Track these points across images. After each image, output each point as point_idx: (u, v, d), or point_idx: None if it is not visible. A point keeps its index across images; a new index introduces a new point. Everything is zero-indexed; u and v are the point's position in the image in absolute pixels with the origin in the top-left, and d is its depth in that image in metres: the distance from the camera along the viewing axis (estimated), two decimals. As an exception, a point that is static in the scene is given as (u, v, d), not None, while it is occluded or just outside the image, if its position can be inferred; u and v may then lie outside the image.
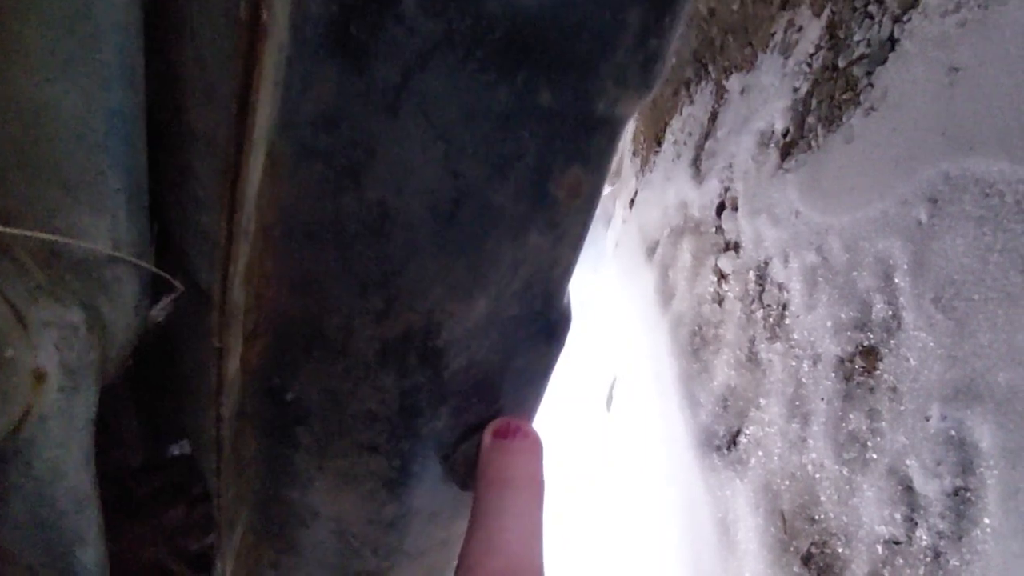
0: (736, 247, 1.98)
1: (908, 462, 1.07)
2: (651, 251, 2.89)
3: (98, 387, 0.43)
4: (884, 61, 1.38)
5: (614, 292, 3.23)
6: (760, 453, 1.50)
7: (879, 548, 1.10)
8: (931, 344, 1.06)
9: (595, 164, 0.51)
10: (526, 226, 0.51)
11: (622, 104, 0.49)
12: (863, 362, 1.23)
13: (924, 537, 1.02)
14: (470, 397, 0.61)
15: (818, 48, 1.74)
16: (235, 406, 0.53)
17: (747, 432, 1.60)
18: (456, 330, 0.55)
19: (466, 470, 0.67)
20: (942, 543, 0.99)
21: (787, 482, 1.38)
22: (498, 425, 0.62)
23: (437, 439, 0.62)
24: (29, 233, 0.38)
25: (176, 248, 0.59)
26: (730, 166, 2.17)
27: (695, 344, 2.13)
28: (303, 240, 0.49)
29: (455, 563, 0.86)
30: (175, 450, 1.04)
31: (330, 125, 0.46)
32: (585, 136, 0.49)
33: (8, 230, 0.37)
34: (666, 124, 3.15)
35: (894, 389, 1.13)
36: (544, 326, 0.61)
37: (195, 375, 0.70)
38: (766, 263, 1.72)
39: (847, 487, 1.19)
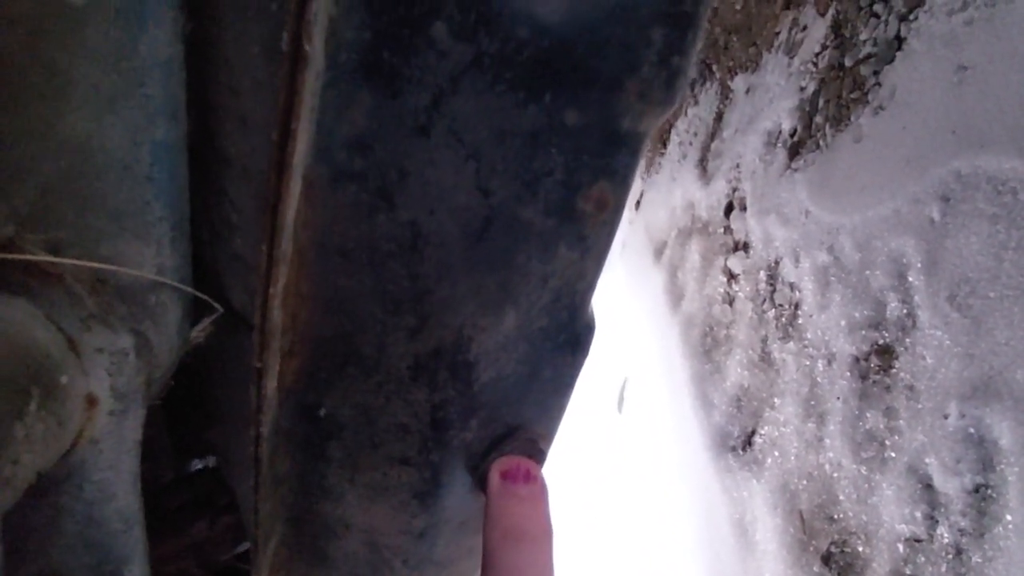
0: (745, 247, 1.99)
1: (927, 460, 1.07)
2: (659, 252, 2.90)
3: (145, 409, 0.45)
4: (891, 60, 1.39)
5: (622, 294, 3.24)
6: (776, 453, 1.51)
7: (900, 546, 1.11)
8: (947, 342, 1.07)
9: (620, 178, 0.51)
10: (555, 241, 0.52)
11: (646, 119, 0.50)
12: (879, 361, 1.24)
13: (945, 535, 1.02)
14: (499, 408, 0.62)
15: (824, 47, 1.75)
16: (272, 424, 0.54)
17: (762, 432, 1.60)
18: (486, 344, 0.55)
19: (494, 480, 0.68)
20: (964, 540, 0.99)
21: (805, 482, 1.38)
22: (505, 466, 0.61)
23: (466, 450, 0.63)
24: (78, 262, 0.39)
25: (208, 270, 0.60)
26: (737, 166, 2.18)
27: (706, 345, 2.14)
28: (337, 260, 0.50)
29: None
30: (199, 464, 1.05)
31: (364, 148, 0.47)
32: (611, 151, 0.50)
33: (59, 260, 0.38)
34: (671, 125, 3.16)
35: (911, 387, 1.14)
36: (570, 337, 0.62)
37: (226, 394, 0.71)
38: (777, 263, 1.72)
39: (866, 486, 1.20)
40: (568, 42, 0.45)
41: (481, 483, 0.68)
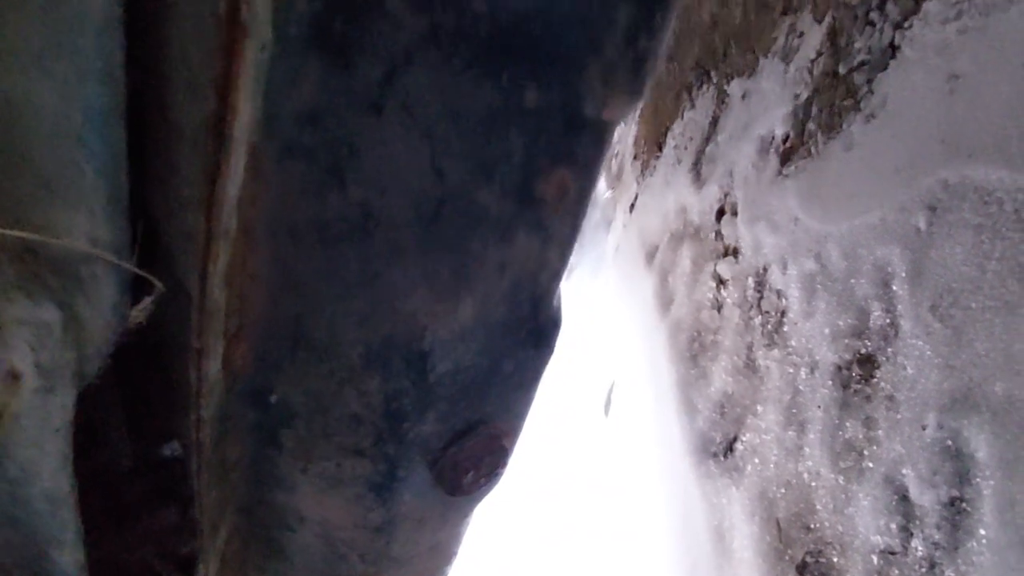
0: (735, 253, 1.97)
1: (904, 471, 1.06)
2: (651, 256, 2.88)
3: (75, 388, 0.43)
4: (885, 68, 1.37)
5: (613, 297, 3.22)
6: (756, 460, 1.49)
7: (874, 558, 1.09)
8: (928, 352, 1.05)
9: (583, 166, 0.50)
10: (513, 227, 0.50)
11: (611, 106, 0.48)
12: (860, 370, 1.22)
13: (919, 547, 1.01)
14: (457, 402, 0.61)
15: (819, 54, 1.73)
16: (217, 408, 0.52)
17: (744, 439, 1.58)
18: (441, 333, 0.54)
19: (453, 476, 0.66)
20: (937, 554, 0.97)
21: (783, 490, 1.36)
22: None
23: (424, 444, 0.62)
24: (1, 231, 0.37)
25: (162, 248, 0.58)
26: (730, 172, 2.16)
27: (693, 350, 2.12)
28: (286, 240, 0.49)
29: (445, 569, 0.85)
30: (168, 451, 1.03)
31: (313, 122, 0.45)
32: (572, 137, 0.48)
33: (-23, 225, 0.36)
34: (667, 129, 3.14)
35: (891, 397, 1.12)
36: (532, 331, 0.60)
37: (182, 376, 0.69)
38: (765, 269, 1.71)
39: (843, 496, 1.18)
40: (527, 18, 0.43)
41: (439, 479, 0.67)
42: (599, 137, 0.49)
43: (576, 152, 0.49)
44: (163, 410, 0.88)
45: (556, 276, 0.57)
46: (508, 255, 0.52)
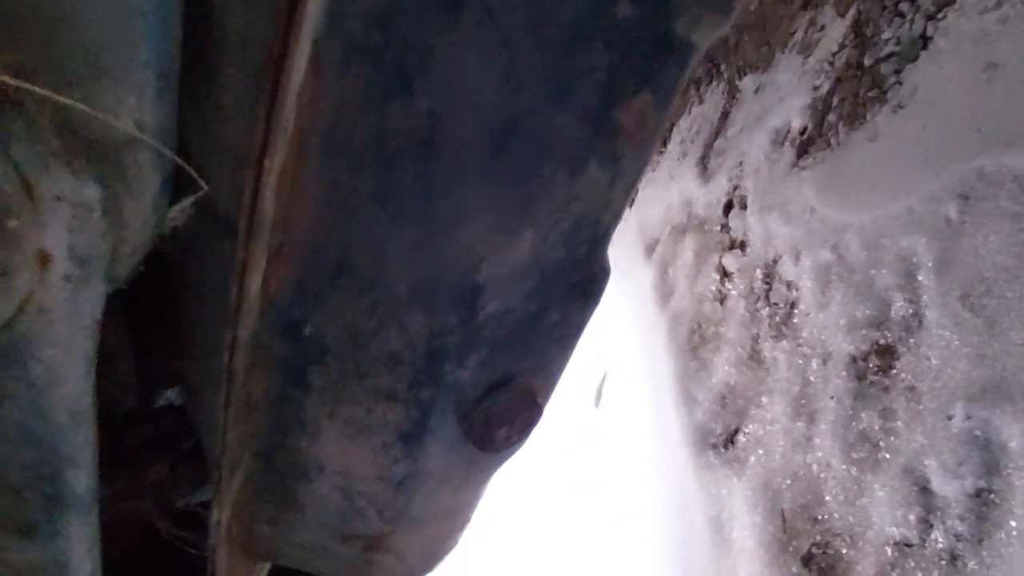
0: (742, 245, 1.95)
1: (926, 462, 1.04)
2: (650, 249, 2.85)
3: (107, 285, 0.39)
4: (915, 59, 1.35)
5: (607, 289, 3.19)
6: (760, 451, 1.47)
7: (888, 550, 1.07)
8: (956, 342, 1.03)
9: (664, 93, 0.46)
10: (587, 155, 0.47)
11: (701, 28, 0.45)
12: (878, 361, 1.20)
13: (940, 539, 0.99)
14: (499, 348, 0.57)
15: (842, 47, 1.71)
16: (251, 332, 0.48)
17: (746, 430, 1.56)
18: (497, 268, 0.50)
19: (485, 430, 0.63)
20: (960, 546, 0.95)
21: (789, 481, 1.34)
22: None
23: (459, 392, 0.58)
24: (45, 93, 0.33)
25: (194, 165, 0.54)
26: (740, 164, 2.14)
27: (694, 342, 2.10)
28: (341, 154, 0.45)
29: (458, 535, 0.81)
30: (165, 400, 0.99)
31: (384, 21, 0.41)
32: (660, 58, 0.45)
33: (24, 84, 0.32)
34: (673, 124, 3.11)
35: (912, 388, 1.10)
36: (585, 277, 0.56)
37: (201, 310, 0.65)
38: (775, 261, 1.69)
39: (855, 487, 1.16)
40: (627, -82, 0.40)
41: (470, 432, 0.63)
42: (684, 62, 0.46)
43: (661, 77, 0.46)
44: (169, 352, 0.83)
45: (616, 218, 0.53)
46: (577, 188, 0.48)
